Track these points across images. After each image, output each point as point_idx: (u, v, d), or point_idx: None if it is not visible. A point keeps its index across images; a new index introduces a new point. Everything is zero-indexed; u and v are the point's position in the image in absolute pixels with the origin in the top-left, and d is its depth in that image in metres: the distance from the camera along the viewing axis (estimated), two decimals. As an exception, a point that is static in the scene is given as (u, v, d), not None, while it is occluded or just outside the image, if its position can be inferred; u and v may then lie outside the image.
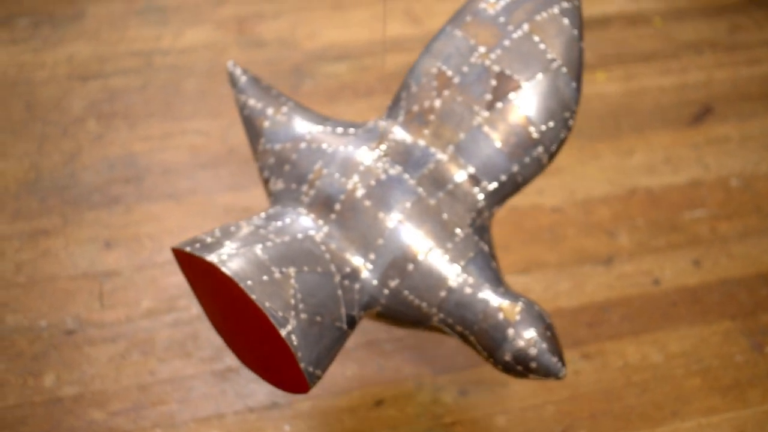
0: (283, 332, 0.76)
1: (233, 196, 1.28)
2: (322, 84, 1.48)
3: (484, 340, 0.85)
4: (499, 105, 0.87)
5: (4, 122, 1.38)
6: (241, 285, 0.76)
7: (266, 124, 0.94)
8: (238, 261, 0.78)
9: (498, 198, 0.89)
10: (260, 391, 1.03)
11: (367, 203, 0.86)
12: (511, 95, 0.87)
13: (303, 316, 0.78)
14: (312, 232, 0.85)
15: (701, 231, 1.25)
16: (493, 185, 0.88)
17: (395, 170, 0.87)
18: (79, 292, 1.14)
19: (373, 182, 0.86)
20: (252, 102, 0.95)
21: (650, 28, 1.63)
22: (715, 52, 1.58)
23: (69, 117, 1.40)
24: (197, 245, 0.80)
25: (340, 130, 0.92)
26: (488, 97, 0.88)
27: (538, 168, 0.90)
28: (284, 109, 0.94)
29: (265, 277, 0.78)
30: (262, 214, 0.88)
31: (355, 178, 0.87)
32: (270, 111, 0.94)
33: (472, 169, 0.88)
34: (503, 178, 0.88)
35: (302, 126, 0.93)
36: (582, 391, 1.06)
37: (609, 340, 1.11)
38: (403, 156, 0.88)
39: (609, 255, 1.21)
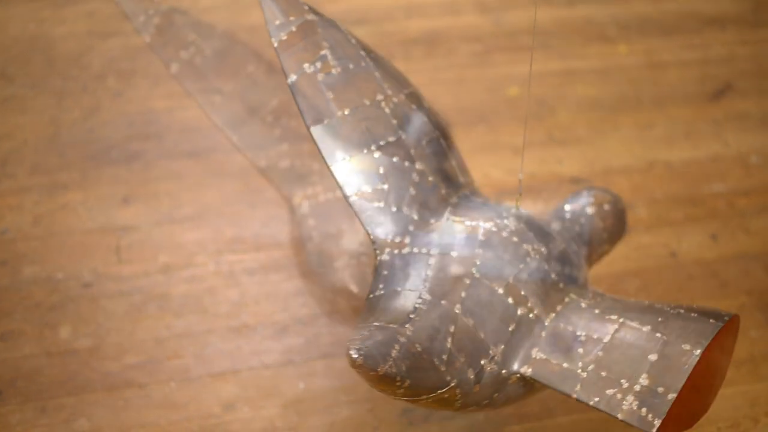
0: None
1: (252, 155, 1.27)
2: (342, 48, 1.47)
3: (613, 229, 0.92)
4: None
5: (24, 77, 1.38)
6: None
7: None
8: None
9: None
10: (275, 348, 1.04)
11: None
12: None
13: None
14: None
15: (719, 206, 1.25)
16: None
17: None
18: (96, 246, 1.14)
19: None
20: None
21: (673, 3, 1.62)
22: (739, 29, 1.57)
23: (89, 73, 1.39)
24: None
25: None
26: None
27: None
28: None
29: None
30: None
31: None
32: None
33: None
34: None
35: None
36: (596, 360, 1.06)
37: (624, 310, 1.11)
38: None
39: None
